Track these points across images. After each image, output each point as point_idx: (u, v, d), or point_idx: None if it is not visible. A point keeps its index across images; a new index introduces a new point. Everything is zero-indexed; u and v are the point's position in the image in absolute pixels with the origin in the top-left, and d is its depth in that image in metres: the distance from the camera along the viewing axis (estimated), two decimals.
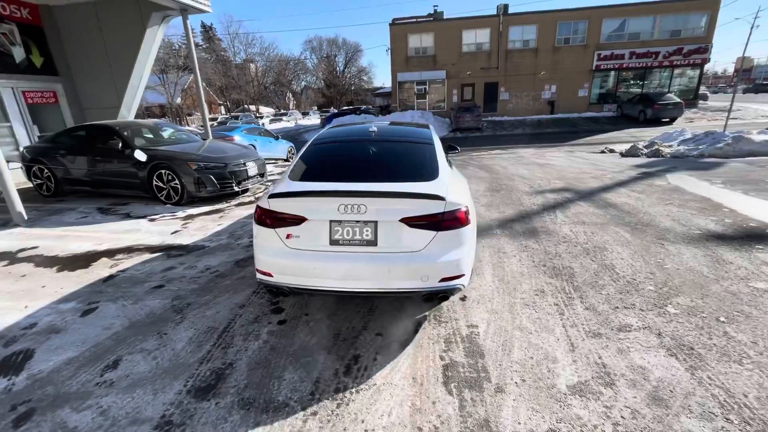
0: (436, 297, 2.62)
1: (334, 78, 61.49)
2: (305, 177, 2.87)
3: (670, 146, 10.86)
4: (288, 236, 2.55)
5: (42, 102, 8.95)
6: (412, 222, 2.44)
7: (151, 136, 7.51)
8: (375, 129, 3.56)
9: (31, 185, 7.08)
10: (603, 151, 11.90)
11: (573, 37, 24.87)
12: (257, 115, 40.19)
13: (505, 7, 25.21)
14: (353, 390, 2.15)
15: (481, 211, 5.52)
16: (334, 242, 2.50)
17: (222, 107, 45.71)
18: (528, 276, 3.46)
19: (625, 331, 2.59)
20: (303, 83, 64.90)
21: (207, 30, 54.88)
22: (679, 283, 3.21)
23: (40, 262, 4.10)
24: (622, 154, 10.99)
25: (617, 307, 2.89)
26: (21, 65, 8.41)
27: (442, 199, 2.44)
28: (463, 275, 2.58)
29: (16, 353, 2.58)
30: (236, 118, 32.40)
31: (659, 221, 4.75)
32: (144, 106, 32.78)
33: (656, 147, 10.63)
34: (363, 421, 1.94)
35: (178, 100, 36.01)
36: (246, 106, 46.04)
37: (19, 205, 5.21)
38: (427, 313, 2.91)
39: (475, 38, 25.67)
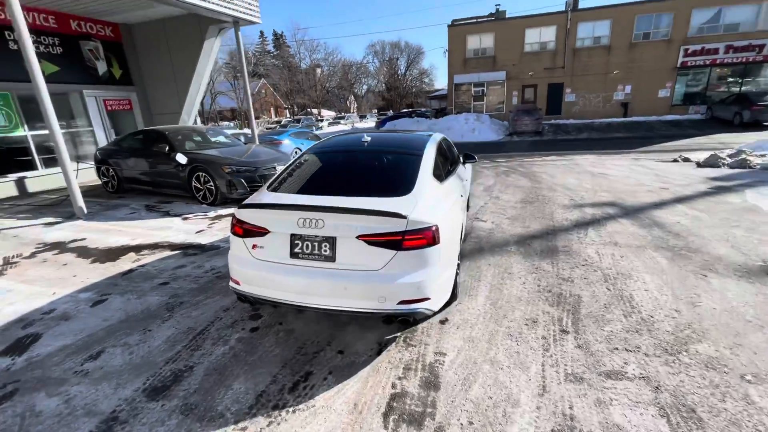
0: (395, 320, 2.47)
1: (395, 81, 62.07)
2: (279, 188, 2.89)
3: (764, 156, 9.26)
4: (254, 246, 2.59)
5: (119, 109, 10.19)
6: (371, 240, 2.33)
7: (200, 139, 8.17)
8: (368, 139, 3.49)
9: (100, 183, 8.09)
10: (675, 160, 10.51)
11: (654, 32, 22.38)
12: (318, 118, 41.97)
13: (575, 2, 23.47)
14: (290, 409, 2.11)
15: (504, 225, 5.15)
16: (294, 255, 2.48)
17: (287, 111, 48.47)
18: (526, 302, 3.14)
19: (615, 379, 2.23)
20: (365, 87, 66.45)
21: (278, 38, 58.63)
22: (709, 326, 2.69)
23: (81, 253, 4.64)
24: (699, 164, 9.60)
25: (616, 348, 2.50)
26: (103, 77, 9.65)
27: (402, 217, 2.30)
28: (427, 299, 2.41)
29: (28, 335, 2.93)
30: (297, 121, 34.14)
31: (712, 247, 4.06)
32: (217, 110, 35.97)
33: (743, 156, 9.13)
34: None
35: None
36: (309, 109, 48.30)
37: (80, 201, 5.96)
38: (398, 334, 2.77)
39: (539, 37, 24.25)
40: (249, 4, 9.07)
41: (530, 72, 24.74)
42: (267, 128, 32.59)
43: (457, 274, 3.25)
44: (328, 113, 50.03)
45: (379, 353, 2.57)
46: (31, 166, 8.35)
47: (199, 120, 25.98)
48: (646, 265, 3.71)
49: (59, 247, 4.87)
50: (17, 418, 2.11)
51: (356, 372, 2.39)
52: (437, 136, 3.83)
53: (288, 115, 47.06)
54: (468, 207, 5.65)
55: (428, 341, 2.68)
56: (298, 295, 2.46)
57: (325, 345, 2.68)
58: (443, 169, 3.37)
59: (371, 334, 2.78)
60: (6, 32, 7.71)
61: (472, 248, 4.38)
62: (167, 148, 6.87)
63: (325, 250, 2.40)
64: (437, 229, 2.42)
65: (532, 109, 21.25)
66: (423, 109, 33.55)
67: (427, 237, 2.37)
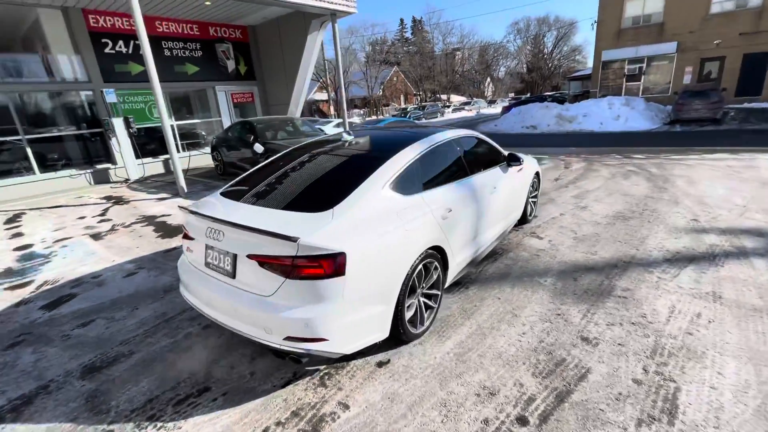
0: (287, 356, 2.12)
1: (539, 61, 56.11)
2: (227, 192, 2.77)
3: None
4: (188, 249, 2.58)
5: (243, 101, 11.82)
6: (261, 261, 2.04)
7: (291, 130, 8.85)
8: (348, 138, 3.09)
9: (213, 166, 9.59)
10: None
11: None
12: (445, 104, 41.15)
13: None
14: (159, 425, 2.04)
15: (562, 246, 4.06)
16: (207, 265, 2.37)
17: (417, 97, 49.00)
18: (503, 362, 2.37)
19: None
20: (502, 69, 61.98)
21: (416, 24, 59.18)
22: None
23: (158, 227, 5.56)
24: None
25: None
26: (231, 74, 11.29)
27: (292, 240, 1.92)
28: (322, 340, 2.00)
29: (68, 295, 3.62)
30: (422, 108, 34.16)
31: None
32: (348, 99, 38.66)
33: None
34: None
35: (380, 92, 40.67)
36: (439, 95, 47.77)
37: (182, 181, 7.15)
38: (322, 367, 2.42)
39: None
40: None
41: (716, 40, 18.93)
42: (392, 115, 33.61)
43: (429, 308, 2.69)
44: (458, 99, 48.61)
45: (285, 385, 2.29)
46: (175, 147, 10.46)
47: (332, 109, 28.44)
48: (743, 344, 2.38)
49: (149, 220, 5.94)
50: (2, 365, 2.61)
51: (247, 401, 2.18)
52: (443, 135, 3.16)
53: (417, 102, 47.54)
54: (527, 218, 4.65)
55: (345, 385, 2.26)
56: (206, 306, 2.36)
57: (247, 361, 2.53)
58: (425, 178, 2.75)
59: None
60: (162, 42, 9.68)
61: (496, 272, 3.56)
62: (251, 138, 7.64)
63: (227, 265, 2.22)
64: (344, 258, 1.97)
65: (709, 89, 16.32)
66: (558, 93, 29.42)
67: (326, 266, 1.95)
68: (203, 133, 11.34)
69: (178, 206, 2.62)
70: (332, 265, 1.96)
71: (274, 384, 2.30)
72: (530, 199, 4.78)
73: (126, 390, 2.31)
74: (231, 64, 11.20)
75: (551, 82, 56.53)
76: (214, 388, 2.29)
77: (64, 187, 8.41)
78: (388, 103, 45.52)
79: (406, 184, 2.57)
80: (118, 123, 8.50)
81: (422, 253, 2.47)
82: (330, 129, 12.59)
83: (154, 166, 9.88)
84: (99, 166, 9.03)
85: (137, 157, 9.01)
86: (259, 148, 7.10)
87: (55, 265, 4.35)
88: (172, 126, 10.27)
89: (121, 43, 8.96)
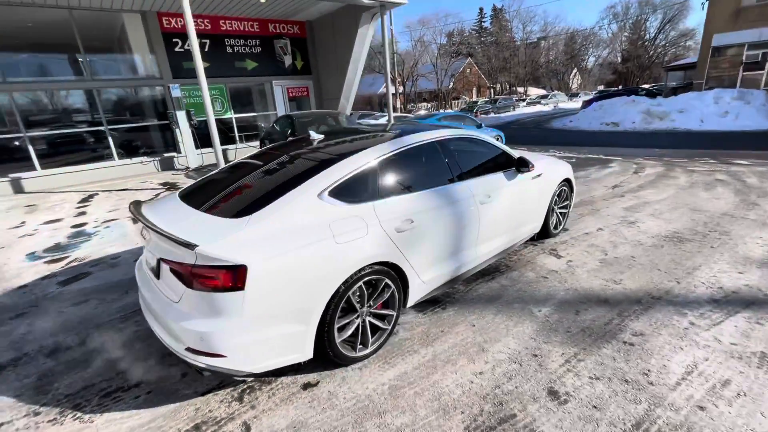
0: (191, 366, 2.01)
1: (637, 49, 49.73)
2: (184, 194, 2.67)
3: None
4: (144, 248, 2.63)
5: (298, 95, 12.21)
6: (170, 266, 1.96)
7: (334, 124, 8.92)
8: (318, 137, 2.90)
9: None
10: None
11: None
12: (521, 97, 38.52)
13: None
14: (77, 414, 2.09)
15: (579, 271, 3.44)
16: (147, 263, 2.37)
17: (490, 90, 46.58)
18: (438, 408, 2.02)
19: None
20: (591, 58, 56.05)
21: (496, 13, 56.12)
22: None
23: None
24: None
25: None
26: (288, 69, 11.71)
27: (190, 247, 1.81)
28: (220, 356, 1.87)
29: (83, 273, 3.99)
30: (494, 101, 32.38)
31: None
32: (416, 92, 38.13)
33: None
34: None
35: (450, 85, 39.47)
36: (515, 88, 44.89)
37: None
38: (250, 380, 2.30)
39: None
40: None
41: None
42: (461, 109, 32.47)
43: (378, 329, 2.43)
44: (536, 92, 45.23)
45: (207, 392, 2.21)
46: (232, 141, 11.20)
47: (399, 102, 28.31)
48: None
49: None
50: (4, 332, 2.94)
51: (163, 404, 2.14)
52: (420, 137, 2.80)
53: (490, 95, 45.22)
54: (550, 231, 4.04)
55: (259, 404, 2.11)
56: (143, 305, 2.37)
57: (182, 367, 2.51)
58: (385, 185, 2.45)
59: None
60: (225, 39, 10.37)
61: (486, 293, 3.13)
62: (289, 131, 7.81)
63: (154, 265, 2.19)
64: (244, 271, 1.80)
65: None
66: (655, 86, 25.65)
67: (223, 278, 1.80)
68: (262, 125, 11.97)
69: (130, 203, 2.64)
70: (230, 277, 1.81)
71: (197, 390, 2.24)
72: (556, 210, 4.14)
73: (69, 375, 2.43)
74: (288, 60, 11.61)
75: (651, 73, 49.80)
76: (143, 385, 2.30)
77: (136, 172, 9.50)
78: (459, 96, 44.01)
79: (355, 191, 2.31)
80: (181, 116, 9.34)
81: (361, 270, 2.20)
82: (376, 123, 12.51)
83: (212, 156, 10.66)
84: (165, 155, 10.04)
85: (197, 147, 9.82)
86: (314, 135, 7.21)
87: (91, 244, 4.86)
88: (230, 119, 11.01)
89: (189, 41, 9.77)
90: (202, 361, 1.90)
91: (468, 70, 44.83)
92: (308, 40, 11.87)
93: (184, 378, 2.35)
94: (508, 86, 48.72)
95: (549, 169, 3.88)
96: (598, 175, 7.43)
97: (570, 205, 4.38)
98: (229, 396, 2.18)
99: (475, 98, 42.33)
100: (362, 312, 2.34)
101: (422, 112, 30.94)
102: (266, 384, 2.26)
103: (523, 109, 31.10)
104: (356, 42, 10.28)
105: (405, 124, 3.64)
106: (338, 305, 2.14)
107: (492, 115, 28.65)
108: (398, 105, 31.02)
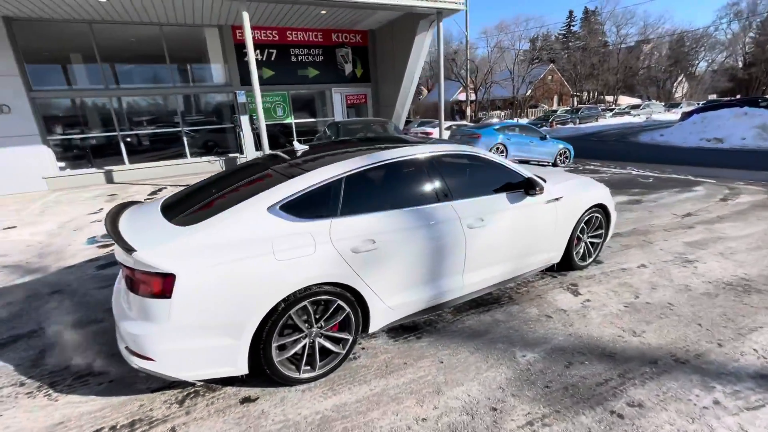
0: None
1: (765, 52, 42.28)
2: (164, 200, 2.76)
3: None
4: None
5: (356, 102, 12.50)
6: (121, 268, 2.08)
7: (381, 131, 8.98)
8: (300, 148, 2.88)
9: None
10: None
11: None
12: (608, 107, 35.01)
13: None
14: (49, 392, 2.31)
15: (597, 313, 2.96)
16: None
17: (574, 98, 43.05)
18: None
19: None
20: (703, 63, 48.81)
21: (588, 15, 51.89)
22: None
23: None
24: None
25: None
26: (348, 76, 12.05)
27: (128, 251, 1.89)
28: (150, 359, 1.93)
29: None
30: (575, 111, 29.86)
31: None
32: (489, 100, 36.67)
33: None
34: None
35: (527, 93, 37.36)
36: (603, 96, 40.96)
37: None
38: (199, 383, 2.33)
39: None
40: None
41: None
42: (536, 118, 30.60)
43: (329, 352, 2.34)
44: (628, 101, 40.74)
45: (157, 390, 2.29)
46: (292, 143, 11.82)
47: (469, 110, 27.60)
48: None
49: None
50: (37, 306, 3.40)
51: (117, 395, 2.26)
52: (400, 152, 2.62)
53: (572, 104, 41.81)
54: (575, 262, 3.56)
55: (195, 410, 2.12)
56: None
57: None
58: (348, 202, 2.32)
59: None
60: (290, 49, 11.02)
61: (472, 327, 2.82)
62: (333, 138, 7.99)
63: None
64: (172, 280, 1.84)
65: None
66: None
67: (154, 285, 1.86)
68: (321, 130, 12.49)
69: (122, 203, 2.82)
70: (159, 284, 1.85)
71: (150, 386, 2.33)
72: (585, 239, 3.62)
73: (63, 353, 2.70)
74: (348, 68, 11.96)
75: None
76: (112, 372, 2.47)
77: (203, 170, 10.51)
78: (537, 104, 41.46)
79: (311, 207, 2.23)
80: (244, 120, 10.13)
81: (307, 289, 2.12)
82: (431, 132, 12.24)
83: None
84: (230, 155, 10.96)
85: (257, 149, 10.56)
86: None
87: None
88: (290, 123, 11.65)
89: (258, 51, 10.58)
90: (135, 362, 1.98)
91: (549, 77, 42.05)
92: (369, 49, 12.11)
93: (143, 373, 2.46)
94: (595, 94, 44.68)
95: (573, 192, 3.40)
96: (670, 200, 6.39)
97: (606, 235, 3.79)
98: (173, 398, 2.24)
99: (555, 107, 39.52)
100: (311, 332, 2.25)
101: (494, 120, 29.77)
102: (211, 391, 2.28)
103: (608, 120, 28.20)
104: (413, 49, 10.21)
105: (438, 139, 3.47)
106: (277, 323, 2.08)
107: (570, 125, 26.45)
108: (468, 113, 30.26)
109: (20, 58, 8.13)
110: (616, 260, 3.92)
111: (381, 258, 2.35)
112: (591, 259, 3.74)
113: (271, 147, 11.14)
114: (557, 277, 3.56)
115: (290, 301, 2.09)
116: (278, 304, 2.05)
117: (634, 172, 10.08)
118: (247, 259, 1.99)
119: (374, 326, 2.49)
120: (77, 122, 9.36)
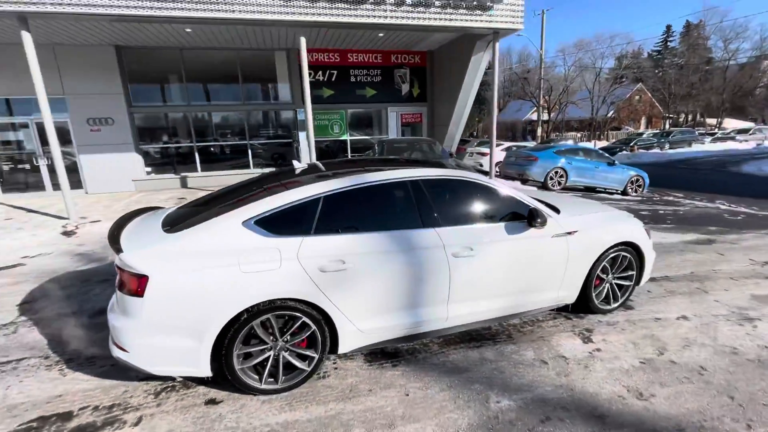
0: None
1: None
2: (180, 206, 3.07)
3: None
4: None
5: (411, 121, 12.65)
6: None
7: (428, 150, 9.00)
8: (302, 167, 3.00)
9: None
10: None
11: None
12: (709, 131, 30.83)
13: None
14: (51, 367, 2.66)
15: (604, 366, 2.62)
16: None
17: (667, 120, 38.59)
18: None
19: None
20: None
21: (689, 30, 46.69)
22: None
23: None
24: None
25: None
26: (404, 96, 12.27)
27: (117, 251, 2.15)
28: (124, 350, 2.15)
29: None
30: (666, 134, 26.76)
31: None
32: (563, 120, 34.36)
33: None
34: None
35: (610, 113, 34.51)
36: (703, 118, 36.19)
37: None
38: (179, 378, 2.51)
39: None
40: (512, 11, 8.46)
41: None
42: (614, 142, 28.14)
43: (293, 368, 2.39)
44: (736, 124, 35.44)
45: (145, 379, 2.51)
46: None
47: (540, 131, 26.31)
48: None
49: None
50: (84, 291, 3.95)
51: (111, 378, 2.52)
52: (385, 175, 2.60)
53: (663, 126, 37.49)
54: (594, 304, 3.20)
55: (166, 403, 2.29)
56: None
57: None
58: (324, 221, 2.37)
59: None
60: (350, 70, 11.58)
61: (456, 362, 2.67)
62: (375, 155, 8.16)
63: None
64: (145, 281, 2.04)
65: None
66: None
67: (131, 284, 2.08)
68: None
69: (140, 208, 3.18)
70: (135, 283, 2.06)
71: (139, 375, 2.56)
72: (610, 280, 3.23)
73: (88, 335, 3.09)
74: (405, 87, 12.19)
75: None
76: (113, 358, 2.77)
77: None
78: (620, 126, 38.00)
79: (284, 223, 2.32)
80: (302, 135, 10.81)
81: (271, 302, 2.19)
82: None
83: None
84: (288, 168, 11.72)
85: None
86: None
87: None
88: (346, 140, 12.15)
89: (320, 72, 11.31)
90: (114, 351, 2.21)
91: (636, 98, 38.39)
92: (427, 69, 12.24)
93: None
94: (694, 117, 39.70)
95: (592, 226, 3.07)
96: (753, 243, 5.43)
97: (639, 277, 3.34)
98: (152, 389, 2.44)
99: (642, 129, 35.84)
100: (275, 346, 2.31)
101: (569, 142, 28.06)
102: (185, 388, 2.44)
103: (706, 146, 24.76)
104: (469, 69, 10.10)
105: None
106: (239, 331, 2.17)
107: (656, 150, 23.71)
108: (539, 133, 28.87)
109: (125, 79, 9.68)
110: (653, 307, 3.42)
111: (350, 279, 2.35)
112: (617, 304, 3.31)
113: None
114: (572, 320, 3.21)
115: (253, 312, 2.18)
116: (240, 313, 2.15)
117: (722, 207, 8.78)
118: (214, 268, 2.13)
119: (344, 347, 2.48)
120: (163, 134, 10.79)
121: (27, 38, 6.16)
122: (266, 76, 11.21)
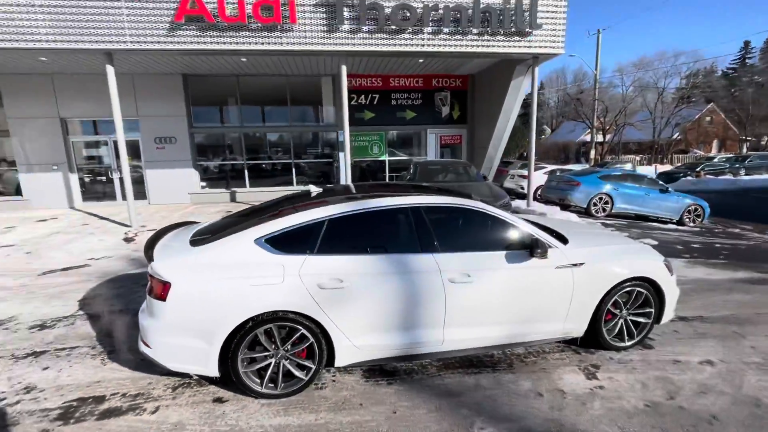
0: None
1: None
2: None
3: None
4: None
5: (451, 143, 12.75)
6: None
7: (462, 172, 9.05)
8: (311, 189, 3.27)
9: None
10: None
11: None
12: None
13: None
14: (83, 353, 3.08)
15: (603, 404, 2.54)
16: None
17: (744, 144, 34.95)
18: None
19: None
20: None
21: None
22: None
23: None
24: None
25: None
26: (444, 118, 12.45)
27: (150, 259, 2.52)
28: (148, 347, 2.49)
29: None
30: (742, 159, 24.32)
31: None
32: (621, 142, 32.30)
33: None
34: None
35: (674, 136, 32.08)
36: None
37: None
38: (194, 377, 2.81)
39: None
40: (553, 36, 8.41)
41: None
42: (678, 166, 26.10)
43: (291, 376, 2.59)
44: None
45: (165, 375, 2.84)
46: (384, 178, 12.64)
47: (593, 153, 25.07)
48: None
49: None
50: (129, 292, 4.47)
51: (141, 371, 2.88)
52: (387, 201, 2.77)
53: (740, 150, 33.97)
54: (605, 339, 3.09)
55: (179, 397, 2.58)
56: None
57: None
58: (327, 242, 2.59)
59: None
60: (391, 93, 12.02)
61: (451, 385, 2.72)
62: (408, 177, 8.35)
63: None
64: (168, 287, 2.38)
65: None
66: None
67: (157, 289, 2.42)
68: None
69: (178, 222, 3.60)
70: (160, 289, 2.39)
71: (162, 370, 2.90)
72: (626, 316, 3.12)
73: (134, 330, 3.52)
74: (445, 110, 12.38)
75: None
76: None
77: None
78: (688, 149, 35.10)
79: (291, 242, 2.57)
80: (342, 156, 11.33)
81: (275, 313, 2.43)
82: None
83: None
84: (328, 185, 12.27)
85: (351, 181, 11.61)
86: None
87: None
88: (384, 161, 12.52)
89: (362, 96, 11.86)
90: (141, 346, 2.55)
91: (707, 119, 35.36)
92: (468, 92, 12.36)
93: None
94: None
95: (603, 259, 3.00)
96: None
97: (659, 315, 3.17)
98: (172, 384, 2.75)
99: (713, 152, 32.81)
100: (277, 354, 2.53)
101: (627, 166, 26.55)
102: (199, 386, 2.72)
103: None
104: (509, 93, 10.08)
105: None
106: (244, 338, 2.42)
107: (728, 177, 21.59)
108: (592, 155, 27.55)
109: (188, 103, 10.84)
110: (675, 348, 3.22)
111: (347, 297, 2.53)
112: (633, 341, 3.16)
113: (370, 180, 12.14)
114: (580, 354, 3.12)
115: (257, 321, 2.42)
116: (246, 321, 2.41)
117: None
118: (226, 280, 2.42)
119: (340, 361, 2.64)
120: (217, 151, 11.85)
121: (110, 71, 7.22)
122: (313, 99, 11.96)
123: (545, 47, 8.48)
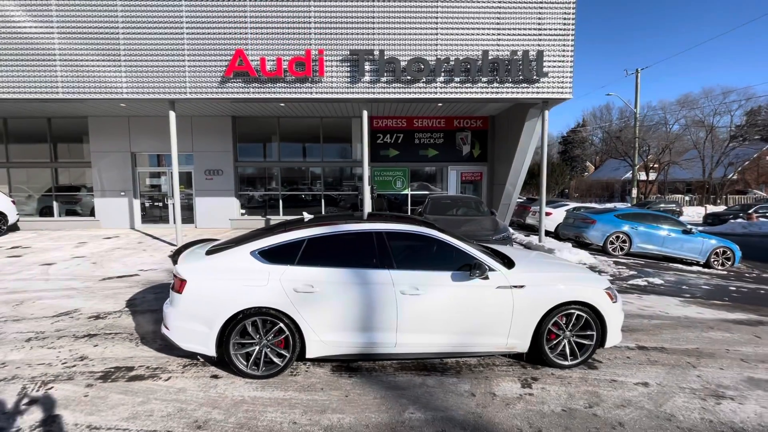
0: None
1: None
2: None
3: None
4: None
5: (471, 179, 13.31)
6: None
7: (473, 207, 9.57)
8: (306, 218, 4.03)
9: None
10: None
11: None
12: None
13: None
14: (122, 339, 3.93)
15: (526, 407, 2.95)
16: None
17: None
18: (240, 426, 2.66)
19: None
20: None
21: None
22: None
23: None
24: None
25: None
26: (465, 156, 13.11)
27: (174, 262, 3.38)
28: (168, 329, 3.29)
29: None
30: None
31: None
32: (667, 181, 30.76)
33: None
34: None
35: (730, 175, 30.20)
36: None
37: None
38: (200, 359, 3.55)
39: None
40: (560, 82, 8.97)
41: None
42: (731, 207, 24.52)
43: (271, 362, 3.24)
44: None
45: (185, 356, 3.61)
46: (407, 210, 13.34)
47: (635, 191, 24.33)
48: None
49: None
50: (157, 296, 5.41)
51: (163, 353, 3.68)
52: (355, 227, 3.49)
53: None
54: (548, 357, 3.48)
55: (187, 371, 3.32)
56: None
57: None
58: (306, 256, 3.32)
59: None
60: (415, 133, 12.96)
61: (395, 381, 3.25)
62: (420, 211, 8.99)
63: None
64: (185, 283, 3.20)
65: None
66: None
67: (177, 285, 3.25)
68: None
69: (206, 238, 4.52)
70: (179, 285, 3.22)
71: (179, 353, 3.68)
72: (569, 337, 3.50)
73: (157, 325, 4.39)
74: (466, 148, 13.06)
75: None
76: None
77: None
78: (747, 189, 32.71)
79: (277, 255, 3.33)
80: (366, 189, 12.28)
81: (260, 308, 3.15)
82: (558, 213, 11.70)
83: None
84: (319, 215, 13.17)
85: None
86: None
87: None
88: (406, 195, 13.28)
89: (387, 135, 12.91)
90: (162, 329, 3.36)
91: None
92: (489, 132, 13.02)
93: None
94: None
95: (543, 283, 3.45)
96: None
97: (600, 338, 3.51)
98: (183, 362, 3.51)
99: (756, 191, 30.30)
100: (260, 342, 3.23)
101: (672, 206, 25.49)
102: (204, 366, 3.46)
103: None
104: (523, 134, 10.61)
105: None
106: (235, 326, 3.15)
107: None
108: (634, 194, 26.62)
109: (235, 140, 12.45)
110: (618, 371, 3.51)
111: (316, 300, 3.21)
112: (576, 361, 3.50)
113: (393, 211, 12.89)
114: (526, 368, 3.51)
115: (246, 313, 3.15)
116: (237, 313, 3.15)
117: None
118: (226, 281, 3.20)
119: (311, 353, 3.27)
120: (255, 182, 13.28)
121: (172, 116, 8.77)
122: (343, 137, 13.19)
123: (553, 92, 9.04)
